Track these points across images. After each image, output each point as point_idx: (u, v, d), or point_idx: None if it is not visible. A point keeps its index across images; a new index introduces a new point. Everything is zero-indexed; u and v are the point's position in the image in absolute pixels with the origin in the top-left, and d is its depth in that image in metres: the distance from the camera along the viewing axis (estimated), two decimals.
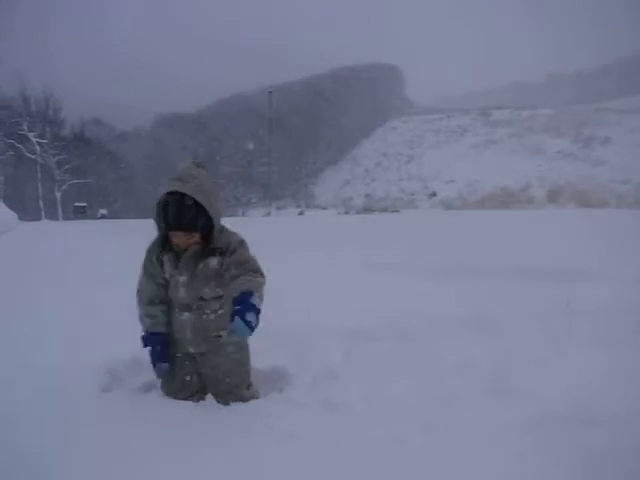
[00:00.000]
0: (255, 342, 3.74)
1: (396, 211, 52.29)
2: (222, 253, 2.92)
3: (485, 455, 2.43)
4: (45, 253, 10.30)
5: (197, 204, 2.74)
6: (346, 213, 59.15)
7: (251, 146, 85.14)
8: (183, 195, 2.72)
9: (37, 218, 38.49)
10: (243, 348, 3.12)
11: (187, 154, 75.07)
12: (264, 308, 2.68)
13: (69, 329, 4.38)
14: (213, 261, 2.93)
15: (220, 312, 3.00)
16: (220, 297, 3.00)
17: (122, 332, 3.40)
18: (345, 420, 2.76)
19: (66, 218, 45.95)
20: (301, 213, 65.99)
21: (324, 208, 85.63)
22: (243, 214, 67.86)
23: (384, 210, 59.61)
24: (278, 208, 76.07)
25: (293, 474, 2.25)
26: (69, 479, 2.20)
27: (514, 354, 3.81)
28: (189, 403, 2.94)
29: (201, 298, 2.97)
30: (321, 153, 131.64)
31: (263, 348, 3.67)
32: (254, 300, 2.61)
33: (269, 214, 58.79)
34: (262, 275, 2.85)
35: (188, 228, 2.81)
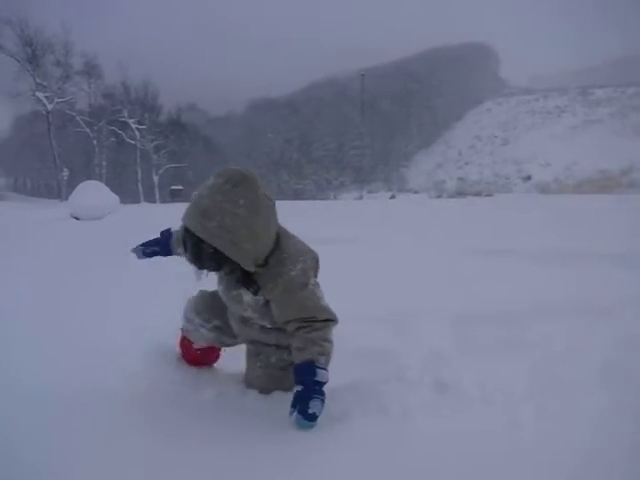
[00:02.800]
0: (359, 324, 3.59)
1: (490, 195, 50.91)
2: (256, 292, 2.35)
3: (600, 444, 2.24)
4: (146, 233, 10.48)
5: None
6: (438, 197, 58.23)
7: (343, 129, 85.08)
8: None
9: (136, 201, 39.98)
10: (286, 367, 2.56)
11: (279, 138, 75.73)
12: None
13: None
14: (247, 296, 2.39)
15: (268, 327, 2.55)
16: (267, 328, 2.55)
17: None
18: (458, 402, 2.62)
19: (163, 201, 47.56)
20: (393, 197, 65.38)
21: (416, 192, 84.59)
22: (335, 197, 67.95)
23: (477, 194, 58.30)
24: (370, 191, 75.64)
25: (409, 455, 2.12)
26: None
27: (627, 343, 3.49)
28: None
29: (243, 318, 2.56)
30: (413, 136, 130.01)
31: (367, 330, 3.59)
32: (319, 377, 2.23)
33: (361, 197, 58.59)
34: (331, 320, 2.36)
35: (210, 270, 2.28)
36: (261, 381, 2.62)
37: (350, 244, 8.35)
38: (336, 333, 3.37)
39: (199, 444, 2.15)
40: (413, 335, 3.67)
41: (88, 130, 52.11)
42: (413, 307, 4.23)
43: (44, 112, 46.39)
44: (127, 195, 41.24)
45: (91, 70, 52.19)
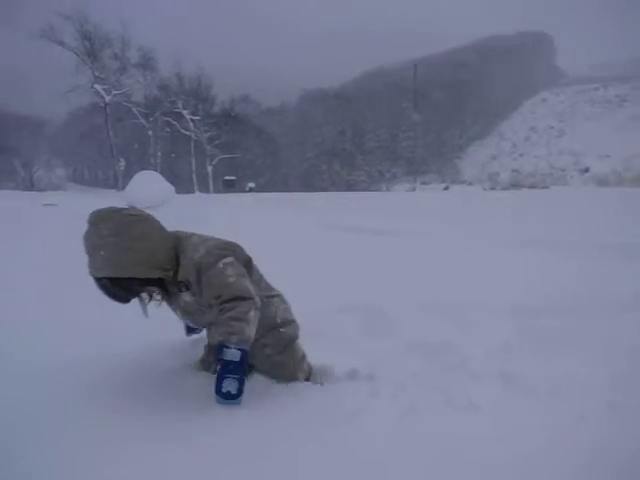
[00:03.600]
0: (417, 315, 3.73)
1: (545, 187, 49.79)
2: (187, 287, 2.44)
3: None
4: (200, 223, 10.41)
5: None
6: (492, 189, 57.36)
7: (395, 120, 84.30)
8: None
9: (190, 191, 40.26)
10: (284, 349, 2.67)
11: (331, 129, 75.50)
12: None
13: None
14: (186, 297, 2.48)
15: None
16: None
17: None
18: (524, 394, 2.60)
19: (216, 191, 47.93)
20: (446, 188, 64.64)
21: (469, 184, 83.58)
22: (387, 189, 67.45)
23: (532, 186, 57.28)
24: (423, 183, 74.88)
25: (476, 446, 2.07)
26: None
27: None
28: None
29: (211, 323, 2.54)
30: (467, 127, 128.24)
31: (426, 321, 3.63)
32: (229, 356, 2.23)
33: (414, 189, 57.97)
34: (244, 298, 2.31)
35: (128, 300, 2.41)
36: (270, 373, 2.67)
37: (405, 236, 8.24)
38: (395, 324, 3.61)
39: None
40: (473, 327, 3.68)
41: (144, 121, 52.90)
42: (470, 299, 4.26)
43: (102, 104, 47.33)
44: (181, 185, 41.63)
45: (147, 63, 52.87)
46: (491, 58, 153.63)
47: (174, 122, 53.18)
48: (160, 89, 55.77)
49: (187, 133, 53.59)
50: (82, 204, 17.15)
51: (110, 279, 2.26)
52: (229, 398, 2.23)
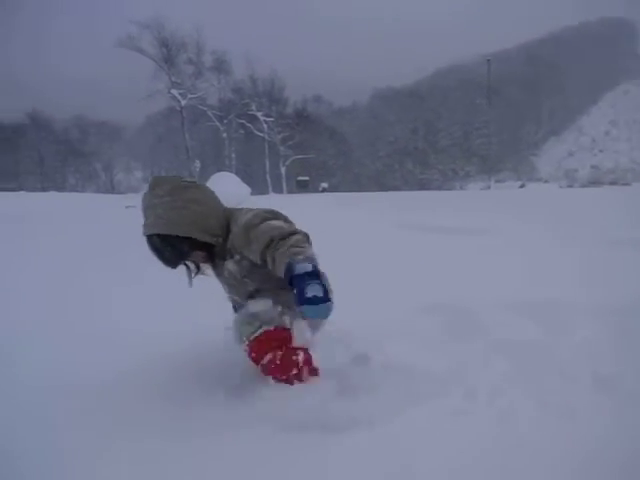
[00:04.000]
0: (500, 314, 3.62)
1: (627, 184, 47.64)
2: (232, 254, 2.45)
3: None
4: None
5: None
6: (569, 186, 55.53)
7: (469, 117, 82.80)
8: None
9: (264, 192, 40.67)
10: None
11: (404, 128, 74.88)
12: None
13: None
14: (230, 265, 2.48)
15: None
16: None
17: None
18: (622, 400, 2.40)
19: (290, 192, 48.22)
20: (522, 186, 63.03)
21: (546, 181, 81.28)
22: (461, 187, 66.34)
23: (613, 183, 55.13)
24: (497, 181, 73.19)
25: (574, 455, 1.95)
26: None
27: None
28: None
29: (255, 291, 2.55)
30: (543, 123, 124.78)
31: (510, 321, 3.50)
32: (299, 269, 2.04)
33: (488, 187, 56.70)
34: (294, 233, 2.24)
35: (177, 264, 2.48)
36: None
37: (482, 235, 8.02)
38: (480, 324, 3.45)
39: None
40: (561, 326, 3.49)
41: (218, 124, 53.88)
42: (556, 297, 4.05)
43: (178, 108, 48.63)
44: (256, 186, 42.00)
45: (220, 66, 53.94)
46: (567, 50, 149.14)
47: (248, 124, 53.91)
48: (234, 92, 56.67)
49: (261, 134, 54.24)
50: None
51: (161, 238, 2.33)
52: (317, 302, 2.00)
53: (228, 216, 2.48)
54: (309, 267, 2.04)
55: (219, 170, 28.40)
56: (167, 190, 2.35)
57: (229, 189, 18.10)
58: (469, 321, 3.61)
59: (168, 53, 49.13)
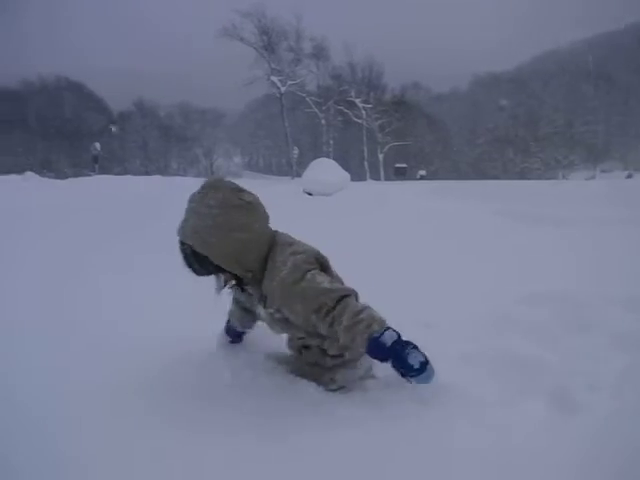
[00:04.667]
0: (620, 308, 3.40)
1: None
2: (265, 302, 2.34)
3: None
4: (376, 210, 10.31)
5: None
6: None
7: (573, 104, 79.33)
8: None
9: (362, 178, 40.69)
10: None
11: (503, 115, 72.68)
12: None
13: None
14: (262, 312, 2.42)
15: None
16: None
17: None
18: None
19: (387, 179, 48.02)
20: (629, 176, 59.89)
21: None
22: (564, 177, 63.81)
23: None
24: (603, 171, 69.82)
25: None
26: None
27: None
28: None
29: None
30: None
31: (622, 315, 3.31)
32: (387, 340, 2.01)
33: (593, 177, 54.33)
34: (344, 296, 2.14)
35: (200, 274, 2.34)
36: (303, 375, 2.51)
37: (589, 225, 7.57)
38: (594, 316, 3.30)
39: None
40: None
41: (317, 110, 54.27)
42: None
43: (277, 95, 49.32)
44: (353, 173, 41.81)
45: (319, 53, 54.15)
46: None
47: (346, 110, 53.96)
48: (333, 78, 56.82)
49: (359, 121, 54.18)
50: (261, 191, 17.82)
51: (193, 250, 2.24)
52: (424, 369, 2.00)
53: (271, 246, 2.35)
54: (394, 335, 2.03)
55: (317, 156, 28.55)
56: (218, 201, 2.21)
57: (329, 175, 18.23)
58: (583, 313, 3.45)
59: (268, 41, 49.92)
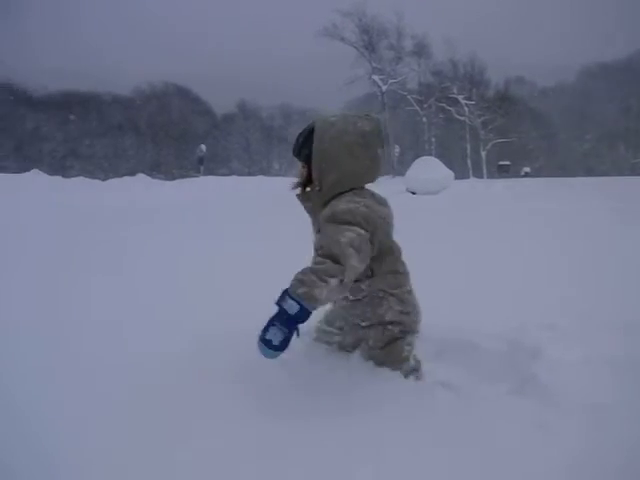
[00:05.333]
0: None
1: None
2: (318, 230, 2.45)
3: None
4: (480, 208, 10.15)
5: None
6: None
7: None
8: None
9: (464, 176, 40.04)
10: (385, 346, 2.51)
11: (613, 107, 69.38)
12: None
13: None
14: (315, 237, 2.56)
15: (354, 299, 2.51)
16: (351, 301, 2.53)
17: None
18: None
19: (490, 176, 46.95)
20: None
21: None
22: None
23: None
24: None
25: None
26: None
27: None
28: None
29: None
30: None
31: None
32: (286, 306, 2.02)
33: None
34: (338, 263, 2.08)
35: (295, 153, 2.58)
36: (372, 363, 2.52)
37: None
38: None
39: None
40: None
41: (418, 108, 53.78)
42: None
43: (379, 93, 49.29)
44: (455, 171, 41.35)
45: (421, 50, 53.61)
46: None
47: (448, 108, 53.16)
48: (434, 75, 56.07)
49: (461, 118, 53.22)
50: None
51: (308, 133, 2.52)
52: (269, 347, 2.02)
53: (349, 189, 2.46)
54: (294, 309, 2.01)
55: (418, 155, 28.42)
56: (358, 127, 2.43)
57: (433, 174, 18.16)
58: None
59: (369, 40, 50.00)
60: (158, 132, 70.66)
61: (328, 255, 2.12)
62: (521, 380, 2.48)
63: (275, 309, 2.05)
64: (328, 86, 60.25)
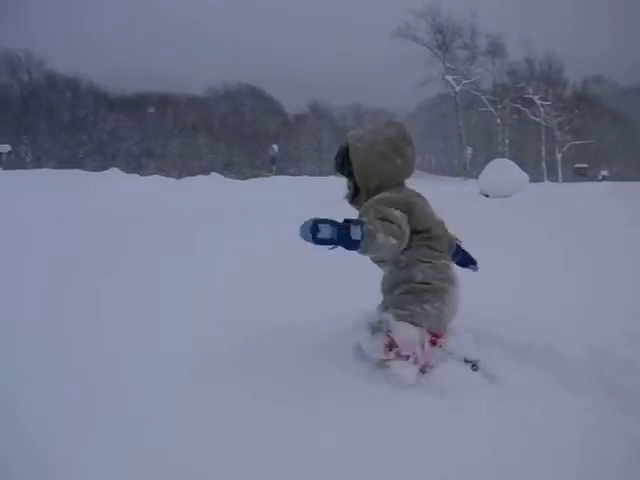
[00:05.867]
0: None
1: None
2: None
3: None
4: (557, 213, 9.81)
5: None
6: None
7: None
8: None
9: (539, 179, 39.08)
10: (409, 293, 2.60)
11: None
12: None
13: None
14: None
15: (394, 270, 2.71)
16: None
17: None
18: None
19: (565, 180, 45.74)
20: None
21: None
22: None
23: None
24: None
25: None
26: None
27: None
28: None
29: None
30: None
31: None
32: (353, 225, 2.10)
33: None
34: (399, 228, 2.36)
35: (338, 169, 2.85)
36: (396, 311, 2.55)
37: None
38: None
39: None
40: None
41: (492, 109, 52.96)
42: None
43: (452, 94, 48.82)
44: (529, 173, 40.56)
45: (495, 49, 52.85)
46: None
47: (523, 108, 52.11)
48: (509, 75, 55.11)
49: (536, 119, 52.04)
50: (434, 192, 17.63)
51: (344, 150, 2.77)
52: (311, 233, 2.05)
53: (391, 187, 2.67)
54: (357, 236, 2.10)
55: (490, 157, 27.93)
56: (386, 135, 2.70)
57: (507, 176, 17.79)
58: None
59: (443, 39, 49.57)
60: (231, 132, 71.78)
61: (390, 221, 2.37)
62: (608, 392, 2.34)
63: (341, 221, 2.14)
64: (400, 87, 60.12)
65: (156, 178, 22.01)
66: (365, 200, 2.65)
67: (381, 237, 2.20)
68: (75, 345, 2.92)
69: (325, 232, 2.06)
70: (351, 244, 2.10)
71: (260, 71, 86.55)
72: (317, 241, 2.06)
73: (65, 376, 2.48)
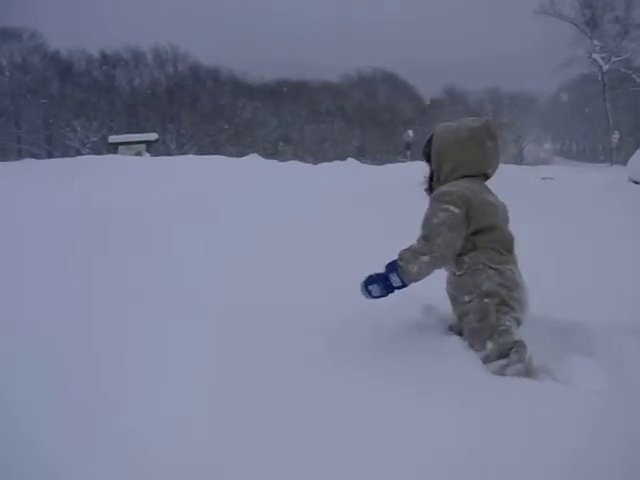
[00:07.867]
0: None
1: None
2: None
3: None
4: None
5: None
6: None
7: None
8: None
9: None
10: (482, 318, 2.56)
11: None
12: None
13: None
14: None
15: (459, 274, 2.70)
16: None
17: None
18: None
19: None
20: None
21: None
22: None
23: None
24: None
25: None
26: None
27: None
28: None
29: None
30: None
31: None
32: (393, 277, 2.54)
33: None
34: (429, 242, 2.54)
35: (424, 154, 2.98)
36: (468, 340, 2.62)
37: None
38: None
39: None
40: None
41: None
42: None
43: (599, 73, 45.63)
44: None
45: None
46: None
47: None
48: None
49: None
50: (574, 178, 16.54)
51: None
52: (368, 293, 2.59)
53: (459, 176, 2.77)
54: (397, 282, 2.53)
55: (639, 141, 25.88)
56: (470, 132, 2.78)
57: None
58: None
59: (591, 14, 46.25)
60: (365, 117, 72.19)
61: (422, 235, 2.59)
62: None
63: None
64: (539, 69, 57.47)
65: (294, 164, 22.11)
66: (437, 187, 2.81)
67: (413, 267, 2.50)
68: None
69: (375, 291, 2.56)
70: (397, 288, 2.55)
71: (394, 56, 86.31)
72: (374, 298, 2.58)
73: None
